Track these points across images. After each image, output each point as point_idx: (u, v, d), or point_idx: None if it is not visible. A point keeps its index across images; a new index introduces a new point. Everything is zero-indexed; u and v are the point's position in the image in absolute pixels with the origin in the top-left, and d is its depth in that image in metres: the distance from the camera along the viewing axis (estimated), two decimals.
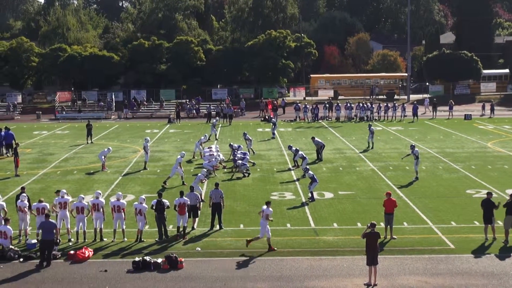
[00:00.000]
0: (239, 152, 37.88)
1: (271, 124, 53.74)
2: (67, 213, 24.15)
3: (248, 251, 22.51)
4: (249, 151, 40.93)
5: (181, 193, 24.95)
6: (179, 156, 34.71)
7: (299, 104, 66.90)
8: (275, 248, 22.59)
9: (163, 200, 24.25)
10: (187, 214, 24.26)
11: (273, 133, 51.77)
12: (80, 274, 20.59)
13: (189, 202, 24.43)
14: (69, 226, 24.17)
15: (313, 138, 42.18)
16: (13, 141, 43.14)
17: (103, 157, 37.91)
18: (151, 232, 24.44)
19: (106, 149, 38.70)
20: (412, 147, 35.71)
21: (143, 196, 24.78)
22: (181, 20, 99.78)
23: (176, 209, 24.30)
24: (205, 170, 33.54)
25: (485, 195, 24.46)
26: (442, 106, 68.60)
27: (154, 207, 24.06)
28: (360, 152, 43.29)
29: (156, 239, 23.79)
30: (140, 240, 23.73)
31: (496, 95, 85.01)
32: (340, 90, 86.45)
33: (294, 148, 38.06)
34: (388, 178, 34.58)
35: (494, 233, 23.49)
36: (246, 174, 35.54)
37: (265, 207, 22.92)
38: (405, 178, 34.47)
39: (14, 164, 37.07)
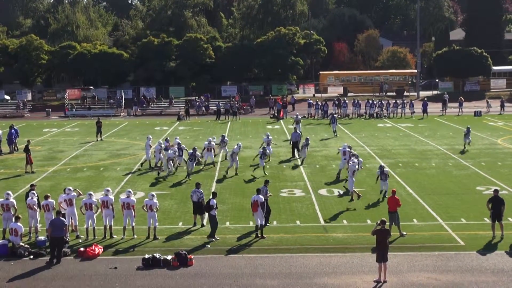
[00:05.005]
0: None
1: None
2: (75, 210, 24.25)
3: (257, 248, 22.55)
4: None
5: (258, 191, 24.72)
6: (235, 147, 35.62)
7: (310, 101, 66.74)
8: None
9: (212, 199, 24.06)
10: (260, 211, 23.87)
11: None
12: (90, 271, 20.66)
13: (262, 200, 24.16)
14: (77, 223, 24.27)
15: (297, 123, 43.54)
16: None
17: (159, 153, 36.38)
18: (160, 229, 24.47)
19: (157, 145, 37.23)
20: (381, 167, 30.08)
21: (152, 193, 24.82)
22: (190, 17, 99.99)
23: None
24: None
25: (492, 192, 24.36)
26: (452, 103, 68.34)
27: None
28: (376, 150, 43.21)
29: (212, 239, 23.54)
30: (154, 237, 23.74)
31: (506, 91, 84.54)
32: (349, 87, 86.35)
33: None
34: (397, 175, 34.47)
35: (503, 230, 23.34)
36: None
37: None
38: (414, 175, 34.35)
39: (27, 160, 37.08)
